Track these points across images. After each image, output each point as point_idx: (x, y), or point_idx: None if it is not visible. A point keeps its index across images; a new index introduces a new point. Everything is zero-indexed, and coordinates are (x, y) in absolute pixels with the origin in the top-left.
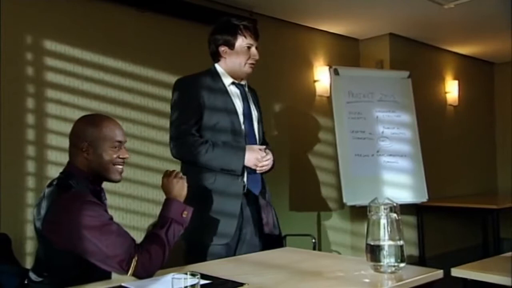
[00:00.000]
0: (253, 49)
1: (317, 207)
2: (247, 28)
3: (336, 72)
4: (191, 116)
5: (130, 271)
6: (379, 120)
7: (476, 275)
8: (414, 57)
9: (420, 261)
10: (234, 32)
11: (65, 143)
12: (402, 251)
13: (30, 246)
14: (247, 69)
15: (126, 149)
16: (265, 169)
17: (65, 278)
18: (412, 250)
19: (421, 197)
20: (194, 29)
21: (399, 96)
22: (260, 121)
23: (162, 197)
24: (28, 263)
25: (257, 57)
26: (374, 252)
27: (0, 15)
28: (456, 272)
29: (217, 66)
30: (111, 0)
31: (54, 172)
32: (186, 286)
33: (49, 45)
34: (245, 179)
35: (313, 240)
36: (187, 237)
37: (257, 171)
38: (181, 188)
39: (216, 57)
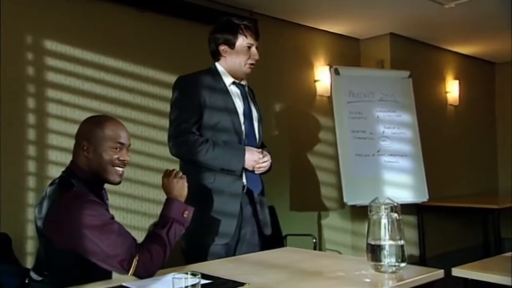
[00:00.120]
0: (253, 49)
1: (317, 207)
2: (247, 28)
3: (336, 72)
4: (192, 115)
5: (131, 271)
6: (379, 120)
7: (477, 275)
8: (414, 57)
9: (421, 261)
10: (235, 31)
11: (66, 143)
12: (402, 251)
13: (30, 245)
14: (246, 69)
15: (128, 152)
16: (262, 170)
17: (65, 277)
18: (412, 250)
19: (422, 197)
20: (194, 29)
21: (400, 96)
22: (260, 121)
23: (162, 197)
24: (29, 262)
25: (257, 57)
26: (374, 252)
27: (0, 15)
28: (456, 272)
29: (217, 65)
30: (111, 0)
31: (54, 172)
32: (187, 286)
33: (50, 45)
34: (244, 179)
35: (314, 240)
36: (187, 237)
37: (255, 172)
38: (181, 187)
39: (216, 56)
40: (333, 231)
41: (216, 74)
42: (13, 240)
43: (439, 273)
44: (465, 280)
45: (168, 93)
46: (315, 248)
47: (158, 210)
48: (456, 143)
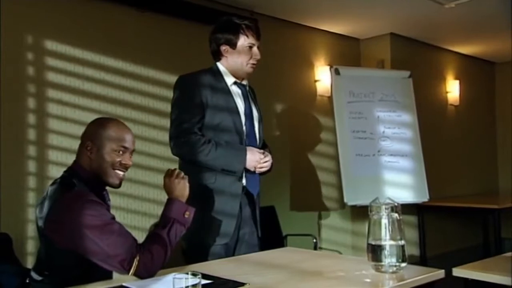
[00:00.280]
0: (255, 49)
1: (318, 207)
2: (249, 28)
3: (337, 72)
4: (193, 115)
5: (132, 271)
6: (380, 120)
7: (477, 275)
8: (415, 56)
9: (421, 261)
10: (236, 31)
11: (66, 143)
12: (403, 251)
13: (31, 245)
14: (248, 69)
15: (131, 157)
16: (263, 170)
17: (66, 277)
18: (413, 250)
19: (422, 197)
20: (194, 29)
21: (400, 96)
22: (260, 120)
23: (163, 197)
24: (29, 263)
25: (258, 57)
26: (375, 252)
27: (0, 15)
28: (457, 272)
29: (219, 65)
30: (111, 0)
31: (55, 172)
32: (187, 286)
33: (50, 45)
34: (244, 180)
35: (314, 240)
36: (187, 237)
37: (256, 172)
38: (183, 188)
39: (217, 56)
40: (334, 231)
41: (218, 74)
42: (13, 240)
43: (439, 273)
44: (465, 280)
45: (168, 93)
46: (315, 248)
47: (158, 210)
48: (456, 143)
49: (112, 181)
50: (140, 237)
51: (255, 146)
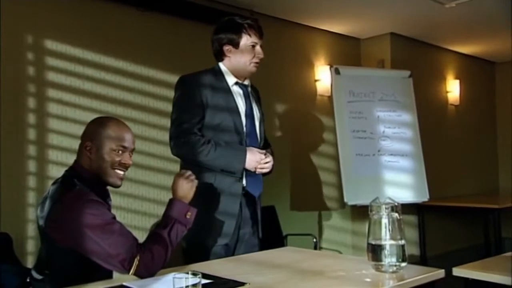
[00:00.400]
0: (258, 48)
1: (318, 206)
2: (251, 27)
3: (337, 72)
4: (193, 115)
5: (132, 270)
6: (380, 120)
7: (478, 274)
8: (415, 56)
9: (422, 260)
10: (239, 30)
11: (66, 142)
12: (403, 250)
13: (31, 245)
14: (251, 68)
15: (131, 157)
16: (264, 171)
17: (67, 276)
18: (413, 250)
19: (422, 197)
20: (195, 29)
21: (400, 96)
22: (262, 120)
23: (163, 196)
24: (29, 262)
25: (262, 56)
26: (375, 251)
27: (0, 15)
28: (457, 271)
29: (221, 65)
30: (111, 0)
31: (55, 171)
32: (188, 286)
33: (50, 44)
34: (244, 181)
35: (314, 240)
36: (186, 237)
37: (257, 173)
38: (188, 189)
39: (220, 56)
40: (334, 231)
41: (219, 74)
42: (14, 240)
43: (439, 273)
44: (465, 280)
45: (168, 93)
46: (315, 248)
47: (158, 209)
48: (456, 142)
49: (112, 181)
50: (141, 237)
51: (256, 146)
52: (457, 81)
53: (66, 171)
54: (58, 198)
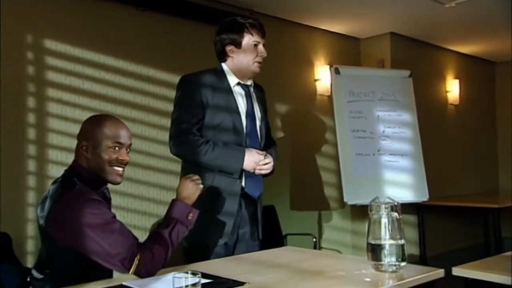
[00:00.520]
0: (260, 47)
1: (318, 206)
2: (253, 26)
3: (337, 71)
4: (193, 115)
5: (132, 270)
6: (380, 119)
7: (477, 274)
8: (415, 56)
9: (421, 260)
10: (241, 30)
11: (66, 142)
12: (403, 250)
13: (31, 245)
14: (255, 68)
15: (128, 153)
16: (264, 172)
17: (67, 276)
18: (413, 249)
19: (422, 196)
20: (195, 29)
21: (400, 95)
22: (263, 119)
23: (163, 196)
24: (29, 262)
25: (264, 55)
26: (375, 251)
27: (0, 15)
28: (457, 271)
29: (223, 65)
30: (111, 0)
31: (54, 171)
32: (187, 285)
33: (50, 44)
34: (243, 181)
35: (314, 239)
36: (187, 236)
37: (255, 173)
38: (193, 190)
39: (223, 56)
40: (334, 231)
41: (221, 74)
42: (13, 239)
43: (439, 273)
44: (465, 279)
45: (168, 92)
46: (315, 248)
47: (158, 209)
48: (456, 142)
49: (111, 178)
50: (141, 237)
51: (256, 146)
52: (457, 81)
53: (66, 170)
54: (58, 197)
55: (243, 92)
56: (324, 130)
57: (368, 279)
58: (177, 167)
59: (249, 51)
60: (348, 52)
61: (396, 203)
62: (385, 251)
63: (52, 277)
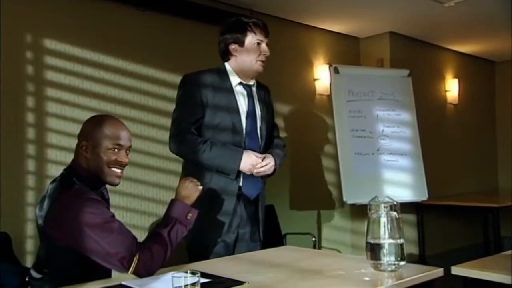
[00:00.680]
0: (264, 45)
1: (317, 205)
2: (256, 25)
3: (336, 71)
4: (192, 115)
5: (131, 269)
6: (379, 119)
7: (476, 273)
8: (414, 55)
9: (420, 259)
10: (244, 29)
11: (65, 141)
12: (402, 249)
13: (30, 245)
14: (258, 66)
15: (127, 154)
16: (262, 174)
17: (66, 275)
18: (412, 249)
19: (421, 196)
20: (195, 28)
21: (399, 95)
22: (264, 120)
23: (162, 195)
24: (29, 262)
25: (267, 53)
26: (374, 250)
27: (0, 15)
28: (456, 270)
29: (226, 65)
30: (111, 0)
31: (54, 171)
32: (186, 285)
33: (49, 44)
34: (241, 182)
35: (313, 239)
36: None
37: (254, 175)
38: (192, 190)
39: (226, 56)
40: (333, 230)
41: (223, 74)
42: (13, 239)
43: (438, 272)
44: (464, 278)
45: (167, 92)
46: (314, 247)
47: (157, 209)
48: (455, 141)
49: (110, 179)
50: (140, 236)
51: (256, 146)
52: (456, 80)
53: (65, 170)
54: (57, 197)
55: (244, 92)
56: (324, 129)
57: (367, 278)
58: (176, 166)
59: (252, 50)
60: (348, 52)
61: (395, 203)
62: (384, 251)
63: (51, 276)
